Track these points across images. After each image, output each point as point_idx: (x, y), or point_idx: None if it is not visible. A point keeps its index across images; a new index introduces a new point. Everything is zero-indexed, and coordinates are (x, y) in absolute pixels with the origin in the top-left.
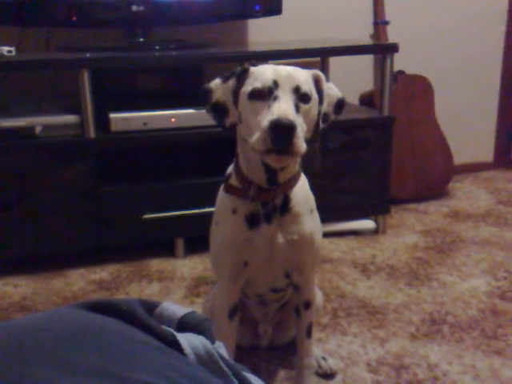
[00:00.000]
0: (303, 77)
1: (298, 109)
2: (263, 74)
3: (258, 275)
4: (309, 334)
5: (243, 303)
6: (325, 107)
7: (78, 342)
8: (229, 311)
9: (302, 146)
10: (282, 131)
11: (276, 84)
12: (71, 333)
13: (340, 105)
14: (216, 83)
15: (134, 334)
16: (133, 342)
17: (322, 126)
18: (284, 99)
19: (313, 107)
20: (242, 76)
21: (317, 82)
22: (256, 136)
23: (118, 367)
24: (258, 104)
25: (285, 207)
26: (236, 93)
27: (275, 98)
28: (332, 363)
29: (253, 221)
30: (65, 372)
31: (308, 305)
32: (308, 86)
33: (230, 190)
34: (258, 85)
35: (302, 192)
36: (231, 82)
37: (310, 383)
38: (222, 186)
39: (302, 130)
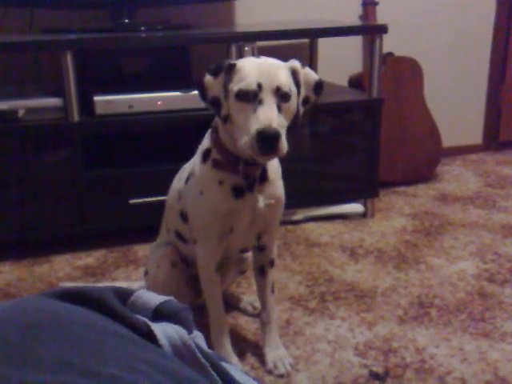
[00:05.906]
0: (283, 74)
1: (279, 109)
2: (248, 74)
3: (238, 237)
4: (272, 290)
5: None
6: (303, 92)
7: (45, 333)
8: (216, 266)
9: (285, 147)
10: (268, 140)
11: (260, 87)
12: (38, 324)
13: (319, 86)
14: (208, 80)
15: (105, 324)
16: (103, 334)
17: (302, 110)
18: (268, 103)
19: (292, 102)
20: (230, 71)
21: (294, 74)
22: (244, 140)
23: (87, 361)
24: (245, 106)
25: (263, 177)
26: (226, 87)
27: (260, 102)
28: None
29: (238, 191)
30: (30, 367)
31: (273, 263)
32: (288, 84)
33: (218, 165)
34: (243, 86)
35: (275, 161)
36: (221, 78)
37: (276, 335)
38: (198, 158)
39: (284, 132)
